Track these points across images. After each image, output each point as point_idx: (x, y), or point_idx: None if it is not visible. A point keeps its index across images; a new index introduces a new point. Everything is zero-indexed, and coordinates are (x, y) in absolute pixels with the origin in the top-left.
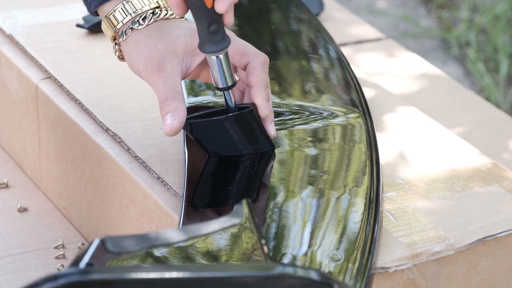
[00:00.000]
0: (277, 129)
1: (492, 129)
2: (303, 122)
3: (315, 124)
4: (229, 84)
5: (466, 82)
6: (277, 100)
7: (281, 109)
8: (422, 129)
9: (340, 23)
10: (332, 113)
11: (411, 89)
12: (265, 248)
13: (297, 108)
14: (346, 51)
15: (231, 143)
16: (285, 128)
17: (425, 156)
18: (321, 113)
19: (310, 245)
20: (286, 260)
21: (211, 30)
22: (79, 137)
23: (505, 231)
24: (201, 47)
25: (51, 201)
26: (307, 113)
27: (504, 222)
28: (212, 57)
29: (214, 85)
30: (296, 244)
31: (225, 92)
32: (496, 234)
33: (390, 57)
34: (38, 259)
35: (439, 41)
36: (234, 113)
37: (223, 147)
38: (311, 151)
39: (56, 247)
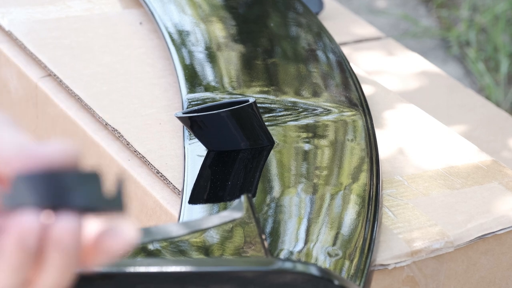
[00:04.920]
0: (278, 126)
1: (492, 128)
2: (303, 119)
3: (314, 122)
4: None
5: (466, 81)
6: (277, 98)
7: (280, 107)
8: (421, 127)
9: (340, 22)
10: (332, 111)
11: (411, 88)
12: (265, 243)
13: (296, 105)
14: (345, 50)
15: (230, 138)
16: (284, 126)
17: (424, 154)
18: (320, 111)
19: (309, 242)
20: (285, 255)
21: None
22: (79, 135)
23: (505, 229)
24: None
25: None
26: (307, 110)
27: (504, 219)
28: None
29: None
30: (295, 240)
31: None
32: (495, 231)
33: (390, 56)
34: None
35: (439, 40)
36: (233, 107)
37: (222, 142)
38: (311, 148)
39: None
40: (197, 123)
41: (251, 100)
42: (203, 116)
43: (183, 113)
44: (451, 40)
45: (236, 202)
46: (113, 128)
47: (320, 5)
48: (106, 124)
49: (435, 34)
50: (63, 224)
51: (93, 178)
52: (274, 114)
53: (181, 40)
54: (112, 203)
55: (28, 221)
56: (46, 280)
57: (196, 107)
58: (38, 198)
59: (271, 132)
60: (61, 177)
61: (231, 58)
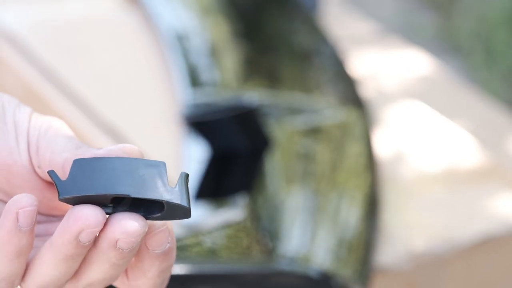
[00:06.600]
0: (276, 126)
1: (493, 127)
2: (302, 119)
3: (313, 121)
4: None
5: (467, 80)
6: (276, 98)
7: (278, 106)
8: (422, 124)
9: (339, 19)
10: (331, 110)
11: (411, 86)
12: (265, 245)
13: (295, 105)
14: (344, 47)
15: (231, 139)
16: (284, 126)
17: (425, 154)
18: (319, 110)
19: (309, 243)
20: (285, 258)
21: None
22: (77, 135)
23: (506, 230)
24: None
25: None
26: (306, 110)
27: (505, 221)
28: None
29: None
30: (295, 242)
31: None
32: (496, 233)
33: (389, 54)
34: None
35: (439, 38)
36: (235, 113)
37: (223, 144)
38: (310, 147)
39: None
40: (199, 127)
41: (254, 104)
42: (205, 122)
43: (186, 117)
44: (451, 38)
45: (235, 202)
46: (113, 128)
47: (314, 0)
48: (105, 124)
49: (436, 32)
50: (124, 224)
51: (157, 167)
52: (272, 114)
53: (180, 39)
54: (175, 196)
55: (88, 216)
56: (93, 276)
57: (198, 112)
58: (97, 186)
59: (270, 132)
60: (123, 163)
61: (229, 57)
